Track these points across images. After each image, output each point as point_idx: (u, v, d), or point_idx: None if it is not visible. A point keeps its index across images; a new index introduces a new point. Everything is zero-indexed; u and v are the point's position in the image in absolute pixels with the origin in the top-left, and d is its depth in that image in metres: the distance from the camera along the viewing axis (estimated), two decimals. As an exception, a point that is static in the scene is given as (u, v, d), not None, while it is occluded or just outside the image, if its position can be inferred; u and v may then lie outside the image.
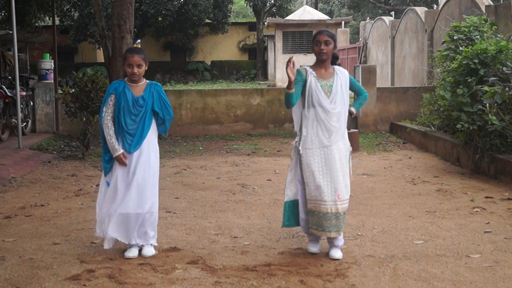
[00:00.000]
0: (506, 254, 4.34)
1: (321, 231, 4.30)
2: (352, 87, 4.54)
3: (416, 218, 5.48)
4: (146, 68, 4.48)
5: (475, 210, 5.70)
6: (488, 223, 5.21)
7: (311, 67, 4.44)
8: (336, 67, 4.47)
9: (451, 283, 3.79)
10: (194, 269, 4.12)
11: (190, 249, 4.59)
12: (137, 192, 4.38)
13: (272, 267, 4.12)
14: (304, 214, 4.41)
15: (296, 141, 4.42)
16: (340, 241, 4.40)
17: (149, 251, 4.44)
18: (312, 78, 4.35)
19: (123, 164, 4.37)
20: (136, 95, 4.42)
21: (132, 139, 4.40)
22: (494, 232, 4.91)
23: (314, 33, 4.56)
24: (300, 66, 4.51)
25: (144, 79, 4.52)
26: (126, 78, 4.51)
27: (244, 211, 5.86)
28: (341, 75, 4.43)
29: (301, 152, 4.36)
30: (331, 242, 4.39)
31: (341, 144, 4.38)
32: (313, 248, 4.46)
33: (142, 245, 4.47)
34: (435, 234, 4.91)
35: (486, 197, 6.20)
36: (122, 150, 4.38)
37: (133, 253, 4.40)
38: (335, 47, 4.40)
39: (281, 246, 4.65)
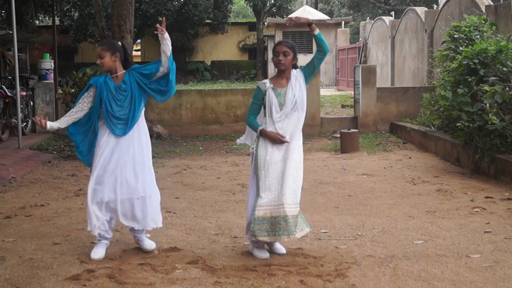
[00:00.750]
0: (506, 254, 4.34)
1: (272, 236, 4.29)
2: (310, 66, 4.50)
3: (416, 218, 5.48)
4: (117, 59, 4.51)
5: (475, 210, 5.70)
6: (488, 223, 5.21)
7: (271, 78, 4.50)
8: (293, 71, 4.48)
9: (451, 283, 3.79)
10: (194, 269, 4.12)
11: (190, 249, 4.59)
12: (133, 176, 4.43)
13: (272, 267, 4.12)
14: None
15: (253, 148, 4.48)
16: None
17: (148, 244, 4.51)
18: (269, 90, 4.40)
19: (37, 122, 4.39)
20: (117, 83, 4.52)
21: (121, 123, 4.45)
22: (494, 232, 4.91)
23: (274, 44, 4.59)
24: (258, 83, 4.56)
25: (122, 69, 4.57)
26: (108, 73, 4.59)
27: (244, 211, 5.84)
28: (296, 78, 4.44)
29: (258, 159, 4.38)
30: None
31: (296, 150, 4.52)
32: (264, 254, 4.40)
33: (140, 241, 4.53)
34: (435, 234, 4.91)
35: (486, 197, 6.20)
36: (46, 121, 4.41)
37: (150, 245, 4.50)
38: (294, 58, 4.43)
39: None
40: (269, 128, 4.41)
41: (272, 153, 4.39)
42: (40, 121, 4.39)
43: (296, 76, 4.47)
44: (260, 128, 4.42)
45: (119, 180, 4.41)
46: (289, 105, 4.40)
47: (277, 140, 4.37)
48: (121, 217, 4.44)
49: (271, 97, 4.40)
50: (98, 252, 4.40)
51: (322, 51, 4.45)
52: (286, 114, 4.40)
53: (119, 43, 4.70)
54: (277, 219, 4.26)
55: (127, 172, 4.43)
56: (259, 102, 4.46)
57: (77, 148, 4.60)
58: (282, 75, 4.45)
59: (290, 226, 4.25)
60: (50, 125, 4.45)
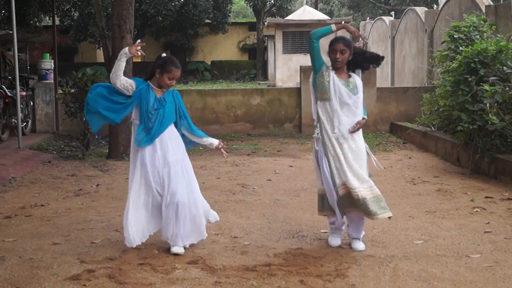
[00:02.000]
0: (506, 254, 4.34)
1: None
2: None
3: (416, 218, 5.48)
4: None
5: (475, 210, 5.70)
6: (488, 223, 5.21)
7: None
8: (351, 73, 4.61)
9: (451, 283, 3.79)
10: (194, 269, 4.12)
11: (190, 249, 4.58)
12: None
13: (272, 267, 4.12)
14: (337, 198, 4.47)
15: (318, 133, 4.51)
16: (361, 233, 4.57)
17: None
18: (333, 75, 4.47)
19: (136, 46, 4.48)
20: (158, 95, 4.57)
21: (150, 135, 4.50)
22: (494, 232, 4.91)
23: (331, 39, 4.64)
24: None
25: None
26: (149, 81, 4.60)
27: (244, 211, 5.86)
28: (357, 79, 4.58)
29: (326, 142, 4.44)
30: (352, 235, 4.56)
31: (358, 138, 4.51)
32: (335, 241, 4.56)
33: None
34: (435, 234, 4.91)
35: (486, 197, 6.20)
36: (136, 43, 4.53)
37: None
38: (350, 54, 4.50)
39: (281, 246, 4.65)
40: (329, 115, 4.44)
41: (335, 141, 4.43)
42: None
43: (359, 79, 4.58)
44: (333, 25, 4.49)
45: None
46: (361, 96, 4.48)
47: (356, 32, 4.49)
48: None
49: (338, 85, 4.43)
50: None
51: None
52: (358, 103, 4.47)
53: None
54: (354, 199, 4.36)
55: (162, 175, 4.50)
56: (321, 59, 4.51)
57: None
58: (339, 71, 4.52)
59: (369, 208, 4.32)
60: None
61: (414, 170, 8.06)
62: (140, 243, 4.48)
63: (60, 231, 5.16)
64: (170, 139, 4.57)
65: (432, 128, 10.09)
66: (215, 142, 4.76)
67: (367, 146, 4.62)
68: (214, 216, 4.82)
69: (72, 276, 3.99)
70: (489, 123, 7.08)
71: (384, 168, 8.30)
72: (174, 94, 4.67)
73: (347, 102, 4.45)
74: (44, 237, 4.95)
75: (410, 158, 9.17)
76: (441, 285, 3.77)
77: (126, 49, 4.47)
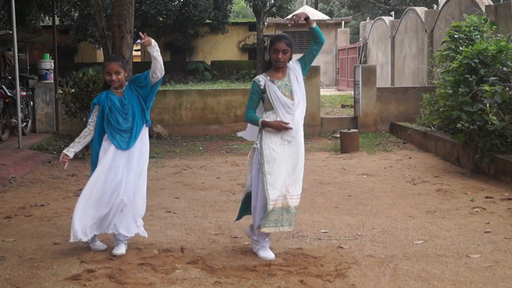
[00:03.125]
0: (506, 254, 4.34)
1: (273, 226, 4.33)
2: (308, 56, 4.52)
3: (416, 218, 5.48)
4: (126, 74, 4.59)
5: (475, 210, 5.70)
6: (488, 223, 5.21)
7: (267, 73, 4.46)
8: (289, 63, 4.47)
9: (451, 283, 3.79)
10: (194, 269, 4.12)
11: (190, 249, 4.58)
12: (118, 186, 4.45)
13: (272, 267, 4.12)
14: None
15: (257, 143, 4.43)
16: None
17: (119, 248, 4.50)
18: (268, 84, 4.38)
19: (61, 161, 4.57)
20: (120, 96, 4.57)
21: (126, 137, 4.49)
22: (494, 232, 4.91)
23: (271, 38, 4.53)
24: (253, 79, 4.51)
25: (126, 83, 4.62)
26: (111, 88, 4.61)
27: (244, 211, 5.85)
28: (293, 70, 4.46)
29: (264, 152, 4.35)
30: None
31: (300, 140, 4.51)
32: (269, 254, 4.38)
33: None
34: (435, 234, 4.91)
35: (486, 197, 6.20)
36: (65, 152, 4.56)
37: (120, 250, 4.49)
38: (291, 53, 4.41)
39: (281, 246, 4.64)
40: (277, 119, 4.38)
41: (278, 148, 4.39)
42: (65, 163, 4.58)
43: (294, 68, 4.47)
44: (260, 120, 4.38)
45: (110, 191, 4.44)
46: (296, 97, 4.40)
47: (281, 128, 4.33)
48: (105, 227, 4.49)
49: (273, 91, 4.36)
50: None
51: (319, 42, 4.47)
52: (297, 105, 4.40)
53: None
54: (280, 210, 4.32)
55: (120, 184, 4.45)
56: (256, 96, 4.43)
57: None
58: (279, 69, 4.44)
59: (292, 217, 4.34)
60: (72, 155, 4.61)
61: (414, 170, 8.06)
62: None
63: (60, 231, 5.16)
64: (141, 144, 4.57)
65: (432, 128, 10.09)
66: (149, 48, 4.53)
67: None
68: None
69: (72, 276, 3.99)
70: (489, 123, 7.08)
71: (384, 168, 8.30)
72: (130, 84, 4.57)
73: (286, 104, 4.37)
74: (44, 237, 4.95)
75: (410, 158, 9.17)
76: (441, 285, 3.77)
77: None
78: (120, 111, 4.52)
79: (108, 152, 4.49)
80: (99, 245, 4.61)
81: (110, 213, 4.43)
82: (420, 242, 4.69)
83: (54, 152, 10.14)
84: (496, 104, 7.13)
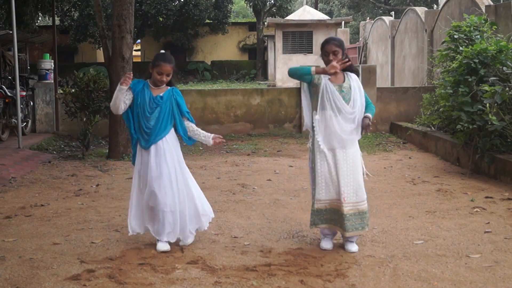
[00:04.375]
0: (506, 254, 4.34)
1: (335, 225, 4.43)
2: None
3: (416, 218, 5.48)
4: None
5: (475, 210, 5.70)
6: (488, 223, 5.21)
7: None
8: (347, 72, 4.48)
9: (451, 283, 3.79)
10: (194, 269, 4.12)
11: (190, 249, 4.58)
12: (150, 188, 4.49)
13: (272, 267, 4.12)
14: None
15: (310, 143, 4.49)
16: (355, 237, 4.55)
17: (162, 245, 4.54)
18: (326, 80, 4.36)
19: (125, 78, 4.41)
20: (154, 94, 4.52)
21: (147, 137, 4.50)
22: (494, 232, 4.91)
23: (322, 41, 4.52)
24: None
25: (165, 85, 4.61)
26: (148, 79, 4.58)
27: (244, 211, 5.86)
28: (354, 80, 4.45)
29: (315, 153, 4.40)
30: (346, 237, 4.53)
31: (354, 148, 4.44)
32: (327, 245, 4.53)
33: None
34: (435, 234, 4.91)
35: (486, 197, 6.20)
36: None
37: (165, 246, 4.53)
38: (343, 53, 4.39)
39: (281, 246, 4.65)
40: (325, 124, 4.36)
41: (327, 149, 4.39)
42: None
43: (357, 80, 4.46)
44: (313, 68, 4.31)
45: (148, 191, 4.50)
46: (357, 103, 4.37)
47: (333, 68, 4.25)
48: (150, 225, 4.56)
49: (332, 91, 4.33)
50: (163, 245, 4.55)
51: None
52: (352, 113, 4.37)
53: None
54: (336, 211, 4.38)
55: (153, 184, 4.47)
56: (309, 75, 4.35)
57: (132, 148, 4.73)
58: (334, 74, 4.40)
59: (345, 223, 4.34)
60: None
61: (414, 170, 8.06)
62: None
63: (60, 231, 5.16)
64: (167, 145, 4.55)
65: (432, 128, 10.09)
66: (209, 139, 4.70)
67: (361, 157, 4.52)
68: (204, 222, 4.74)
69: (72, 276, 3.99)
70: (489, 123, 7.08)
71: (384, 168, 8.30)
72: (173, 92, 4.60)
73: (342, 109, 4.34)
74: (44, 237, 4.95)
75: (410, 158, 9.17)
76: (441, 285, 3.77)
77: (119, 85, 4.46)
78: (147, 109, 4.48)
79: (139, 149, 4.58)
80: (163, 245, 4.53)
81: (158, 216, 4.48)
82: (420, 242, 4.69)
83: (54, 152, 10.14)
84: (496, 104, 7.12)
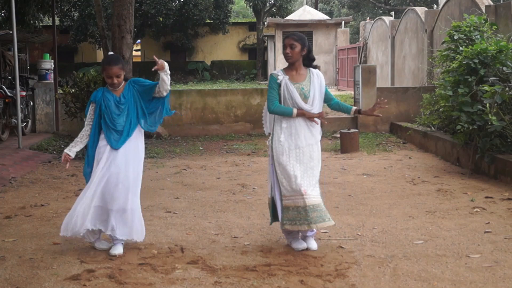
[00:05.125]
0: (506, 254, 4.34)
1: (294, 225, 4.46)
2: (326, 94, 4.74)
3: (416, 218, 5.48)
4: (125, 73, 4.60)
5: (475, 210, 5.70)
6: (488, 223, 5.21)
7: (284, 69, 4.63)
8: (311, 69, 4.66)
9: (451, 283, 3.79)
10: (194, 269, 4.12)
11: (190, 249, 4.58)
12: (116, 188, 4.44)
13: (272, 267, 4.12)
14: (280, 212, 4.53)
15: (269, 141, 4.61)
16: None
17: (116, 249, 4.48)
18: (286, 81, 4.54)
19: (63, 162, 4.55)
20: (117, 95, 4.57)
21: (118, 136, 4.51)
22: (494, 232, 4.91)
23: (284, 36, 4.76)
24: (271, 72, 4.70)
25: (123, 82, 4.62)
26: (106, 85, 4.62)
27: (244, 211, 5.86)
28: (315, 77, 4.63)
29: (274, 152, 4.52)
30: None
31: (315, 145, 4.59)
32: (300, 245, 4.54)
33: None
34: (435, 234, 4.91)
35: (486, 197, 6.20)
36: (66, 152, 4.56)
37: (118, 250, 4.47)
38: (303, 49, 4.56)
39: (281, 246, 4.65)
40: (288, 121, 4.51)
41: (290, 144, 4.50)
42: (67, 162, 4.56)
43: (317, 76, 4.62)
44: (295, 110, 4.49)
45: (107, 191, 4.45)
46: (315, 101, 4.55)
47: (313, 117, 4.50)
48: (103, 226, 4.48)
49: (291, 90, 4.50)
50: (116, 248, 4.50)
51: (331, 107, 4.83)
52: (314, 106, 4.56)
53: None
54: (298, 209, 4.41)
55: (117, 185, 4.45)
56: (276, 90, 4.55)
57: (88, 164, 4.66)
58: (292, 67, 4.58)
59: (310, 216, 4.38)
60: (73, 154, 4.62)
61: (414, 170, 8.06)
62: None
63: (60, 231, 5.15)
64: (134, 142, 4.57)
65: (432, 128, 10.09)
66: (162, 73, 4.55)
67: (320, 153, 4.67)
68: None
69: (72, 276, 3.99)
70: (489, 123, 7.08)
71: (384, 168, 8.30)
72: (132, 84, 4.59)
73: (301, 107, 4.52)
74: (44, 237, 4.95)
75: (410, 158, 9.17)
76: (441, 285, 3.77)
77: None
78: (115, 111, 4.52)
79: (104, 152, 4.52)
80: (104, 243, 4.57)
81: (111, 215, 4.43)
82: (420, 242, 4.69)
83: (54, 152, 10.14)
84: (496, 104, 7.12)
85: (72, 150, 4.58)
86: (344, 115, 13.28)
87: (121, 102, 4.54)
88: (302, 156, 4.49)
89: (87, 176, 4.63)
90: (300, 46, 4.53)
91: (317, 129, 4.61)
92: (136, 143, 4.59)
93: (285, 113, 4.50)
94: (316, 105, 4.57)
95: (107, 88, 4.60)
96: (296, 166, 4.46)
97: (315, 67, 4.71)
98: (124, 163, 4.49)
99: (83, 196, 4.48)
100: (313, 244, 4.54)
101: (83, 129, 4.62)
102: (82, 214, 4.41)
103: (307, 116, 4.50)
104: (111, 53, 4.69)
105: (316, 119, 4.55)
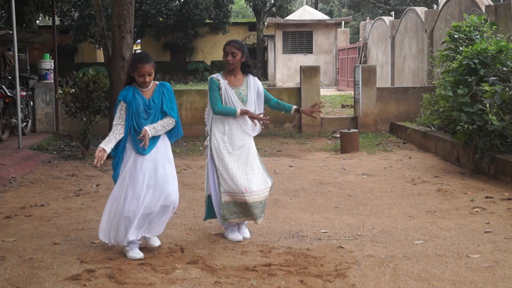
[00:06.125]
0: (506, 254, 4.34)
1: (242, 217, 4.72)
2: (265, 96, 5.00)
3: (416, 218, 5.48)
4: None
5: (475, 210, 5.70)
6: (488, 223, 5.21)
7: (223, 74, 4.86)
8: (248, 75, 4.89)
9: (451, 283, 3.79)
10: (194, 269, 4.13)
11: (190, 249, 4.59)
12: (154, 191, 4.37)
13: (272, 267, 4.12)
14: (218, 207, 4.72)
15: (207, 141, 4.80)
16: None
17: (156, 240, 4.54)
18: (225, 85, 4.75)
19: (96, 157, 4.33)
20: (146, 97, 4.42)
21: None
22: (494, 232, 4.91)
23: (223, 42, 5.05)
24: (210, 76, 4.90)
25: (153, 82, 4.50)
26: (134, 84, 4.47)
27: (244, 211, 5.85)
28: (252, 82, 4.87)
29: (213, 152, 4.71)
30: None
31: (251, 143, 4.81)
32: (237, 236, 4.80)
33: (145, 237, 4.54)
34: (435, 234, 4.91)
35: (486, 197, 6.20)
36: (102, 146, 4.36)
37: (157, 241, 4.53)
38: (243, 56, 4.79)
39: (281, 246, 4.65)
40: (223, 122, 4.74)
41: (229, 144, 4.70)
42: (101, 158, 4.33)
43: (254, 81, 4.87)
44: (239, 109, 4.70)
45: (144, 196, 4.36)
46: (253, 105, 4.82)
47: (257, 118, 4.69)
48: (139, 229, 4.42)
49: (230, 94, 4.73)
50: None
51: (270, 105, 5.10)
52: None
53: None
54: (241, 204, 4.62)
55: (156, 187, 4.38)
56: (217, 92, 4.76)
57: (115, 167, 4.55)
58: (232, 73, 4.80)
59: (253, 212, 4.63)
60: (109, 150, 4.40)
61: (414, 170, 8.06)
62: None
63: (60, 231, 5.16)
64: (162, 145, 4.51)
65: (432, 128, 10.09)
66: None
67: (259, 158, 4.86)
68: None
69: (72, 276, 3.99)
70: (489, 123, 7.08)
71: (384, 168, 8.30)
72: (163, 89, 4.47)
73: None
74: (44, 237, 4.95)
75: (410, 158, 9.17)
76: (441, 285, 3.77)
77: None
78: (143, 115, 4.37)
79: (130, 157, 4.41)
80: (138, 253, 4.39)
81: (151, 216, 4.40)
82: (420, 242, 4.69)
83: (54, 152, 10.14)
84: (496, 104, 7.12)
85: (108, 145, 4.37)
86: (344, 115, 13.29)
87: (151, 106, 4.38)
88: (239, 155, 4.69)
89: (116, 178, 4.52)
90: (240, 53, 4.75)
91: (249, 128, 4.78)
92: (164, 148, 4.47)
93: (229, 113, 4.69)
94: (254, 108, 4.80)
95: (137, 89, 4.43)
96: (235, 165, 4.64)
97: (252, 72, 4.92)
98: (155, 170, 4.38)
99: (119, 202, 4.36)
100: (246, 233, 4.87)
101: (114, 130, 4.41)
102: (124, 224, 4.33)
103: (249, 115, 4.69)
104: (139, 51, 4.57)
105: (256, 121, 4.72)
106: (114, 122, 4.46)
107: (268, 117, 4.79)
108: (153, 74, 4.42)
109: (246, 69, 4.86)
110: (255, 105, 4.84)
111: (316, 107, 5.02)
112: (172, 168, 4.51)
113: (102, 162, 4.34)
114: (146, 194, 4.35)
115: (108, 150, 4.36)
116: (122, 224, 4.35)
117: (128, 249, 4.41)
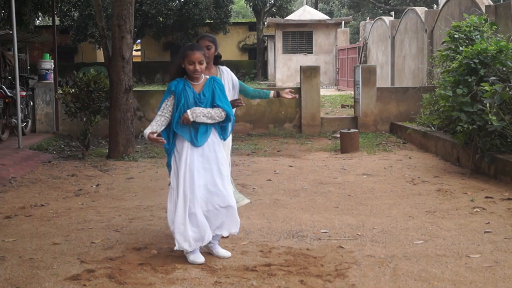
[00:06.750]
0: (506, 254, 4.34)
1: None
2: (241, 86, 5.08)
3: (416, 218, 5.48)
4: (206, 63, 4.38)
5: (475, 210, 5.70)
6: (488, 223, 5.21)
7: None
8: (219, 66, 4.93)
9: (451, 283, 3.79)
10: (194, 269, 4.12)
11: (190, 249, 4.58)
12: (208, 188, 4.28)
13: (272, 267, 4.12)
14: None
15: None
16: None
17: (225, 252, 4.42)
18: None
19: (154, 140, 4.24)
20: (197, 91, 4.32)
21: (196, 133, 4.29)
22: (494, 232, 4.91)
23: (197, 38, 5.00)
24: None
25: (203, 76, 4.37)
26: (185, 76, 4.36)
27: (244, 211, 5.85)
28: (226, 74, 4.91)
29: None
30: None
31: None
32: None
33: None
34: (435, 234, 4.91)
35: (486, 197, 6.20)
36: (149, 132, 4.24)
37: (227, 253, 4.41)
38: (216, 50, 4.85)
39: (281, 246, 4.65)
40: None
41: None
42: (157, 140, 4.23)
43: (227, 73, 4.94)
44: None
45: (207, 191, 4.28)
46: (229, 95, 4.87)
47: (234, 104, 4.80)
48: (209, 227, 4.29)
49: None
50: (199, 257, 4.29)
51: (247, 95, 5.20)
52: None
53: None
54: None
55: (215, 181, 4.29)
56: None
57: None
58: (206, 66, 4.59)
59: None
60: (160, 130, 4.31)
61: (414, 170, 8.06)
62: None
63: (60, 231, 5.16)
64: (215, 137, 4.40)
65: (432, 128, 10.09)
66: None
67: (229, 157, 4.89)
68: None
69: (72, 276, 3.99)
70: (489, 123, 7.08)
71: (384, 168, 8.30)
72: (214, 84, 4.33)
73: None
74: (44, 237, 4.95)
75: (410, 158, 9.17)
76: (441, 285, 3.77)
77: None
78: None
79: (184, 150, 4.31)
80: (200, 258, 4.27)
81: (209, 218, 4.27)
82: (420, 242, 4.69)
83: (54, 152, 10.15)
84: (496, 104, 7.12)
85: (154, 128, 4.25)
86: (344, 115, 13.29)
87: (201, 100, 4.27)
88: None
89: (169, 167, 4.47)
90: (214, 47, 4.82)
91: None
92: (215, 139, 4.39)
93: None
94: (230, 98, 4.79)
95: (188, 81, 4.31)
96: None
97: (222, 64, 5.00)
98: (210, 162, 4.31)
99: (184, 204, 4.30)
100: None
101: (157, 119, 4.29)
102: (202, 223, 4.23)
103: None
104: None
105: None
106: (158, 113, 4.32)
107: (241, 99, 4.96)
108: (204, 64, 4.28)
109: (218, 60, 4.94)
110: (231, 95, 4.92)
111: (290, 93, 5.15)
112: (222, 167, 4.38)
113: (161, 139, 4.28)
114: (205, 189, 4.28)
115: (160, 130, 4.28)
116: (200, 223, 4.23)
117: (189, 253, 4.28)
